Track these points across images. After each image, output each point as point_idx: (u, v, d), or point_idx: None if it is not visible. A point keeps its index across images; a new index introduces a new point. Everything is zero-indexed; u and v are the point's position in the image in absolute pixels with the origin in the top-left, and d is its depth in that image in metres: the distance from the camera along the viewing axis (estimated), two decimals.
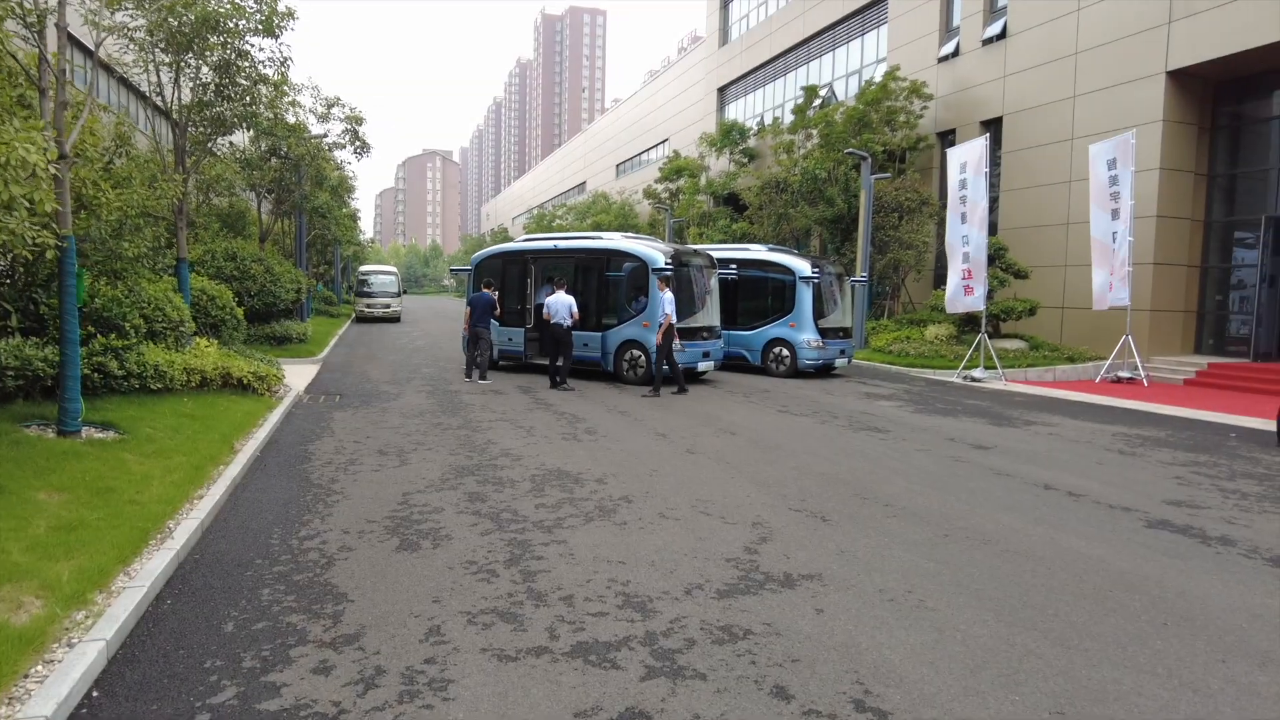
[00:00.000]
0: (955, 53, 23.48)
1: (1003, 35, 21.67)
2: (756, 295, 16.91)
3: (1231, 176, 18.21)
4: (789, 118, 29.35)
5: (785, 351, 16.06)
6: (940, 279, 24.09)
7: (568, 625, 3.95)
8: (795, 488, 6.91)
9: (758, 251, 17.09)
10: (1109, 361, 16.87)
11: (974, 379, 16.35)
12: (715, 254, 16.23)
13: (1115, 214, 16.27)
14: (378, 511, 5.91)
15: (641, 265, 13.85)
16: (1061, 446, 9.26)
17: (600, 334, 14.33)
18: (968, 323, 19.74)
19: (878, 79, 24.55)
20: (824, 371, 16.42)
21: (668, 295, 12.77)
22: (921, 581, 4.69)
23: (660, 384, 12.89)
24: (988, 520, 6.02)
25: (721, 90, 38.97)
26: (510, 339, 15.71)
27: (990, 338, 18.90)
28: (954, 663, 3.63)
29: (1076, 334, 19.28)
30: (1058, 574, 4.88)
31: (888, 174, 21.75)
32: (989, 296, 17.66)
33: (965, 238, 16.84)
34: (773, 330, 16.31)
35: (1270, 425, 11.14)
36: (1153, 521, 6.12)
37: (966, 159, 16.78)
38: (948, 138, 24.37)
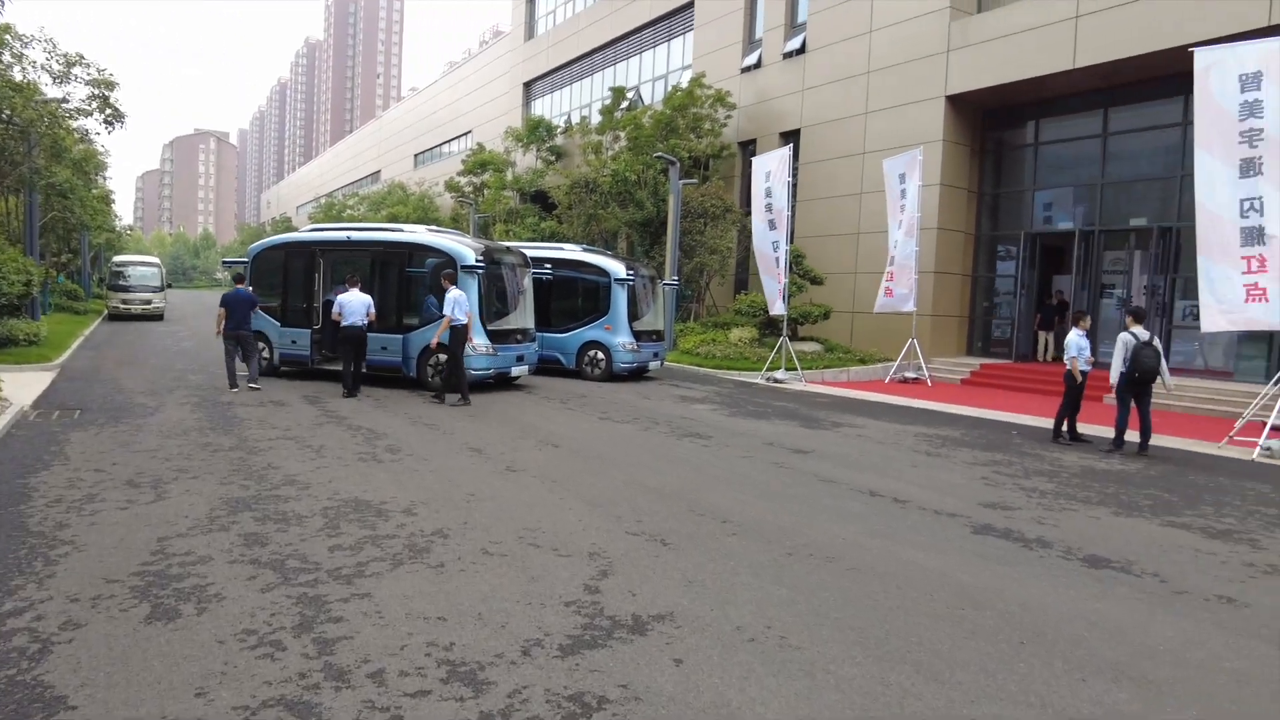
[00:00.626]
0: (758, 64, 24.31)
1: (802, 50, 22.68)
2: (571, 296, 16.37)
3: (996, 195, 20.17)
4: (597, 117, 29.16)
5: (600, 355, 15.65)
6: (741, 284, 24.89)
7: (381, 714, 3.12)
8: (628, 506, 6.39)
9: (572, 251, 16.56)
10: (897, 363, 18.04)
11: (777, 380, 16.84)
12: (529, 253, 15.48)
13: (900, 223, 17.41)
14: (122, 567, 4.67)
15: (449, 261, 12.83)
16: (873, 449, 9.50)
17: (402, 336, 13.12)
18: (768, 326, 20.41)
19: (685, 85, 24.90)
20: (638, 374, 16.20)
21: (457, 294, 11.69)
22: (778, 613, 4.30)
23: (445, 390, 11.96)
24: (825, 534, 5.83)
25: (528, 85, 38.15)
26: (294, 341, 14.02)
27: (789, 340, 19.65)
28: (835, 714, 3.23)
29: (866, 337, 20.53)
30: (908, 592, 4.70)
31: (694, 179, 22.08)
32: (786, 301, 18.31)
33: (776, 244, 17.31)
34: (588, 333, 15.84)
35: (1040, 422, 12.23)
36: (977, 527, 6.22)
37: (771, 168, 17.25)
38: (749, 147, 25.20)
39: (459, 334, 11.73)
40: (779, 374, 16.98)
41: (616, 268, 15.68)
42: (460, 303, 11.68)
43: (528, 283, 14.21)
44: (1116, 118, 17.54)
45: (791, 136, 23.45)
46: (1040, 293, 19.48)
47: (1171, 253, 16.48)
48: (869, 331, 20.39)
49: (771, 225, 17.34)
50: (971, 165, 19.88)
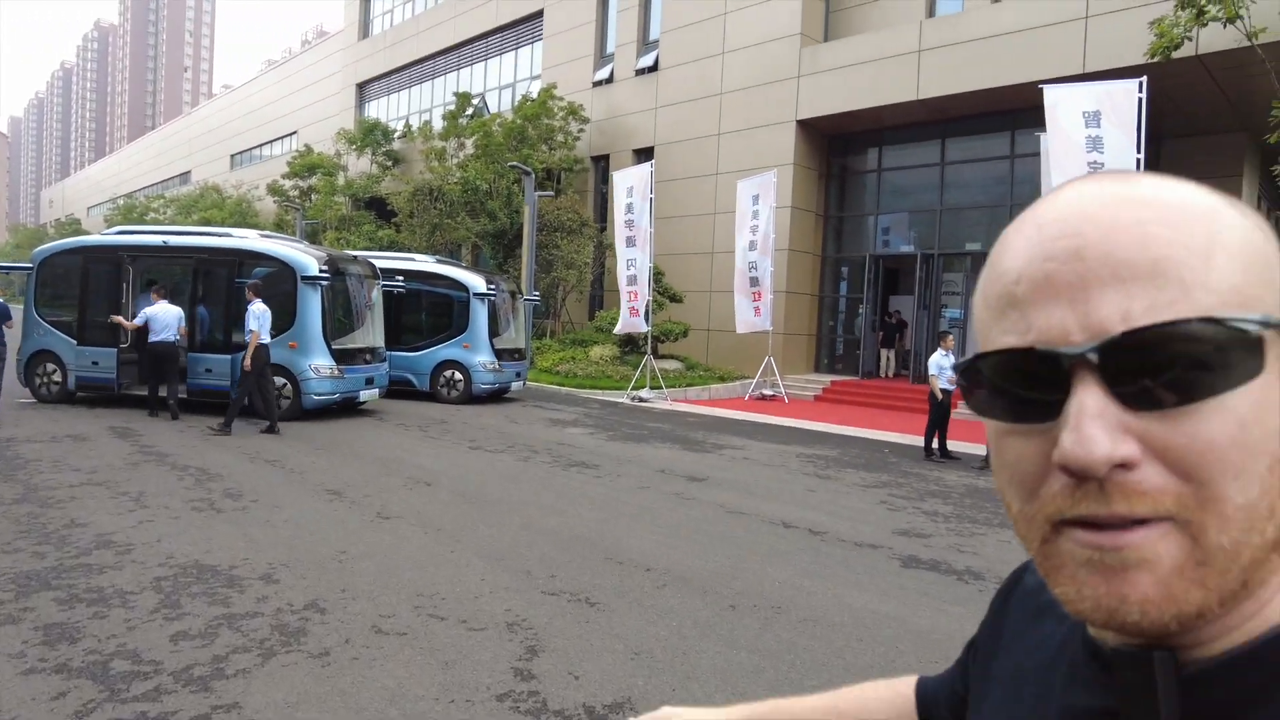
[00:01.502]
0: (610, 79, 24.02)
1: (655, 68, 22.62)
2: (424, 312, 15.15)
3: (840, 218, 20.93)
4: (439, 123, 27.77)
5: (458, 375, 14.53)
6: (597, 301, 24.42)
7: None
8: (535, 557, 5.57)
9: (424, 263, 15.34)
10: (755, 380, 18.16)
11: (642, 399, 16.44)
12: (376, 264, 14.14)
13: (753, 245, 17.57)
14: None
15: (286, 271, 11.36)
16: (764, 473, 9.18)
17: (230, 358, 11.45)
18: (627, 344, 20.03)
19: (535, 95, 24.18)
20: (497, 396, 15.20)
21: (261, 308, 10.29)
22: (750, 685, 3.70)
23: (233, 418, 10.23)
24: (759, 578, 5.31)
25: (362, 86, 35.93)
26: (95, 363, 11.90)
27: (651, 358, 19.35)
28: None
29: (721, 355, 20.60)
30: (873, 647, 4.25)
31: (551, 192, 21.36)
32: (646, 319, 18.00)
33: (631, 261, 16.92)
34: (444, 351, 14.68)
35: (902, 438, 12.52)
36: (903, 559, 5.93)
37: (633, 183, 16.90)
38: (600, 163, 24.86)
39: (261, 354, 10.31)
40: (644, 393, 16.59)
41: (476, 281, 14.65)
42: (265, 319, 10.27)
43: (377, 296, 12.91)
44: (953, 148, 18.68)
45: (645, 154, 23.31)
46: (881, 313, 20.39)
47: None
48: (724, 349, 20.48)
49: (630, 242, 16.96)
50: (819, 189, 20.52)
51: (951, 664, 0.78)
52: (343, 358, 11.62)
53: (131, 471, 7.66)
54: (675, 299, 19.58)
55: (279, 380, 11.29)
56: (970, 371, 0.48)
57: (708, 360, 20.71)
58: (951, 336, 11.25)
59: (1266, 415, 0.42)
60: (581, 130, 23.76)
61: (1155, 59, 13.08)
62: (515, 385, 15.40)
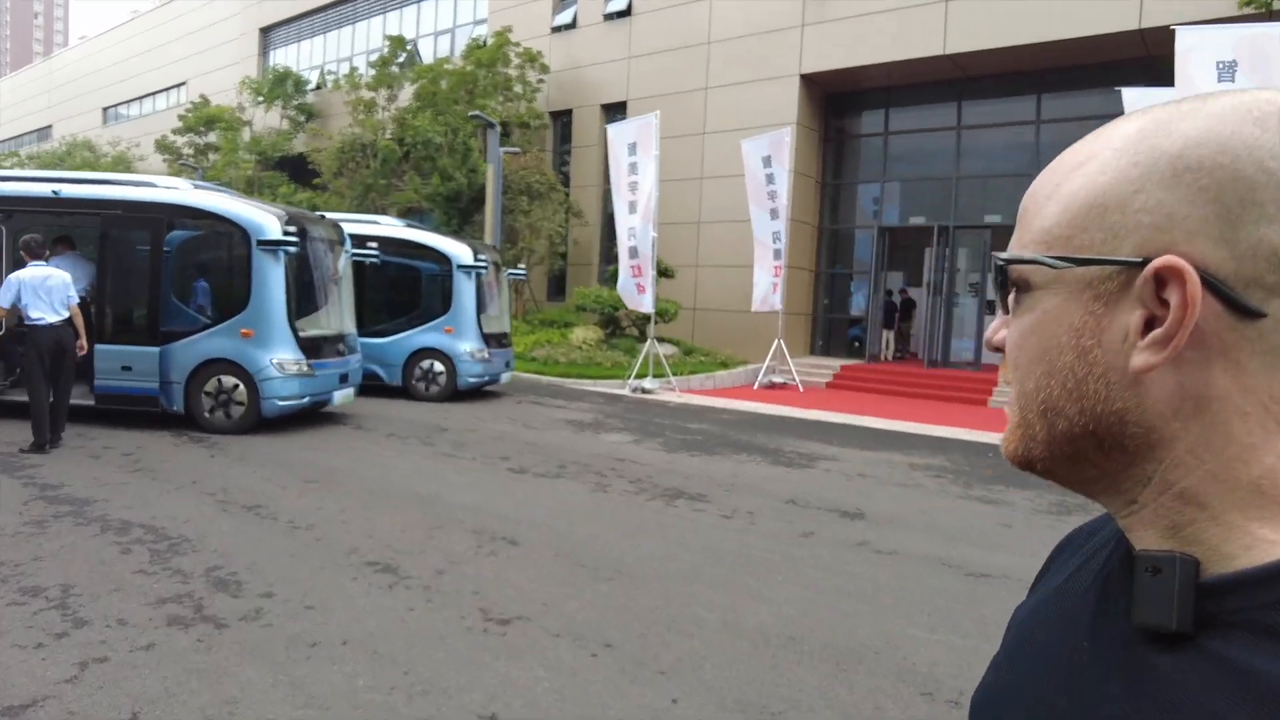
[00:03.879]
0: (573, 24, 21.28)
1: (627, 12, 20.04)
2: (393, 289, 12.32)
3: (837, 186, 19.07)
4: (366, 71, 24.25)
5: (439, 366, 11.79)
6: (558, 276, 21.76)
7: None
8: (818, 698, 3.25)
9: (391, 227, 12.44)
10: (764, 366, 16.12)
11: (645, 390, 14.15)
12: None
13: (774, 214, 15.48)
14: None
15: (234, 234, 8.43)
16: (917, 500, 7.10)
17: (158, 350, 8.43)
18: (608, 324, 17.62)
19: (485, 40, 21.16)
20: (478, 390, 12.52)
21: (38, 273, 7.21)
22: None
23: (41, 436, 7.16)
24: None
25: (266, 31, 31.57)
26: None
27: (640, 342, 17.06)
28: None
29: (710, 337, 18.46)
30: None
31: (518, 149, 18.53)
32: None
33: (632, 230, 14.51)
34: (420, 337, 11.89)
35: (980, 436, 10.74)
36: None
37: (636, 138, 14.41)
38: (560, 119, 22.14)
39: (43, 338, 7.16)
40: (646, 382, 14.27)
41: (460, 251, 11.90)
42: (41, 289, 7.11)
43: (345, 268, 10.03)
44: (971, 111, 17.04)
45: (615, 110, 20.76)
46: (885, 290, 18.70)
47: None
48: (714, 330, 18.34)
49: (632, 208, 14.52)
50: (819, 153, 18.57)
51: None
52: (311, 349, 8.78)
53: (37, 539, 4.82)
54: (667, 274, 17.24)
55: (228, 381, 8.37)
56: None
57: (693, 342, 18.53)
58: None
59: (1043, 331, 0.52)
60: (541, 81, 20.93)
61: (1249, 7, 11.64)
62: (505, 376, 12.78)
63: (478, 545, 5.14)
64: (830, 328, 19.36)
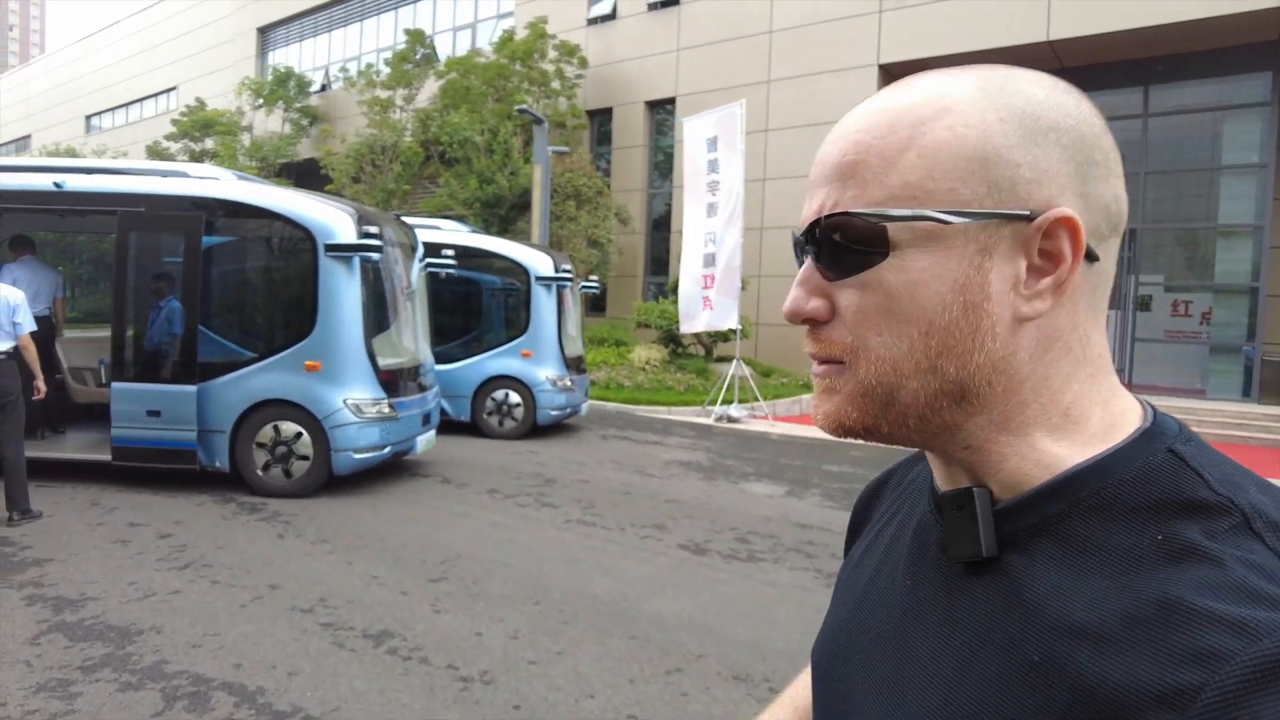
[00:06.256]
0: (612, 14, 19.55)
1: (675, 1, 18.34)
2: (461, 306, 10.44)
3: None
4: (383, 70, 22.37)
5: (516, 397, 9.91)
6: (604, 289, 19.92)
7: None
8: None
9: (454, 232, 10.56)
10: None
11: (731, 418, 12.35)
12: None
13: (718, 211, 13.72)
14: None
15: (299, 237, 6.56)
16: None
17: (195, 389, 6.49)
18: (669, 342, 15.81)
19: (517, 34, 19.37)
20: (556, 424, 10.62)
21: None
22: None
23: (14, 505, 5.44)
24: None
25: (264, 31, 29.62)
26: None
27: (716, 362, 15.29)
28: None
29: (776, 354, 16.69)
30: None
31: (566, 148, 16.70)
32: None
33: (711, 236, 12.73)
34: (492, 363, 10.00)
35: None
36: None
37: (717, 132, 12.65)
38: (597, 118, 20.39)
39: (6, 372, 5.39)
40: (732, 410, 12.47)
41: (538, 261, 10.05)
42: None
43: (419, 281, 8.14)
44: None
45: (662, 106, 19.07)
46: None
47: (1138, 256, 14.61)
48: (779, 347, 16.58)
49: (712, 210, 12.75)
50: None
51: None
52: (390, 385, 6.89)
53: (69, 704, 2.93)
54: (741, 286, 15.40)
55: (289, 429, 6.47)
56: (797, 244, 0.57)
57: (758, 360, 16.75)
58: None
59: (918, 291, 0.50)
60: (579, 76, 19.15)
61: None
62: (584, 407, 10.92)
63: (750, 694, 3.30)
64: None
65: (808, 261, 0.54)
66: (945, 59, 15.14)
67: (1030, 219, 0.49)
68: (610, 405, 13.25)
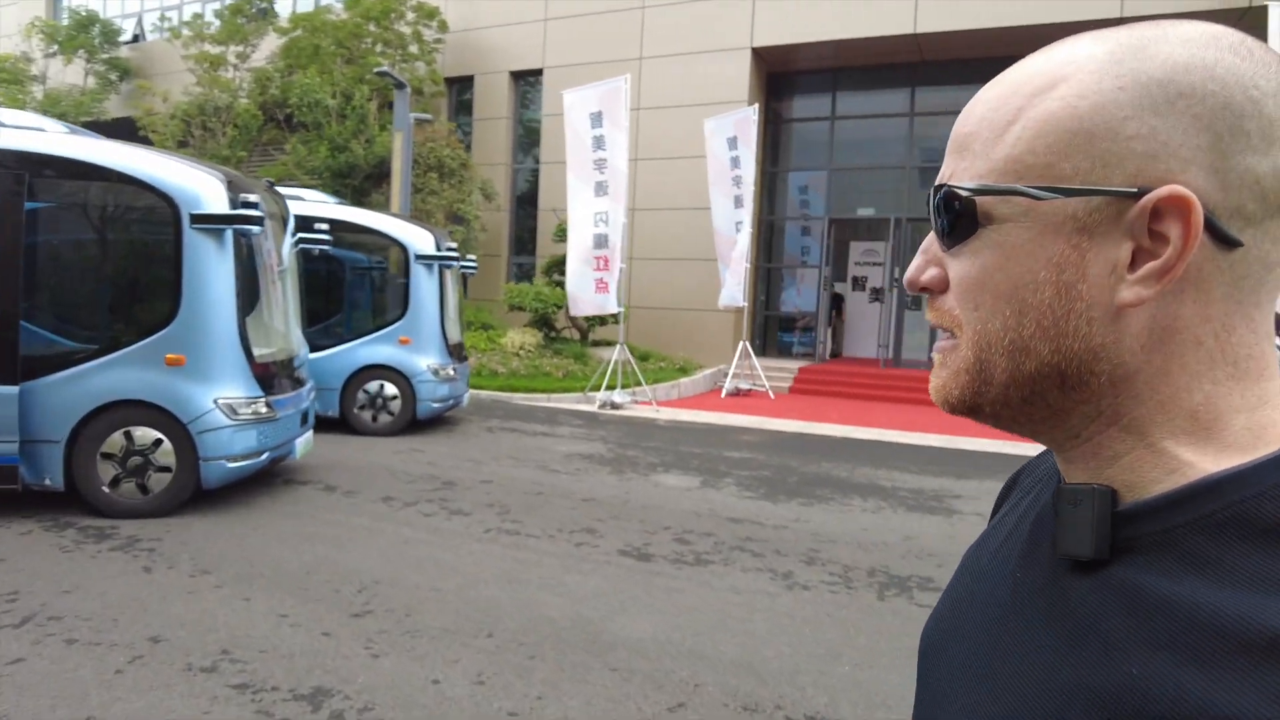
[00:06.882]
0: None
1: None
2: (328, 288, 9.37)
3: (774, 174, 17.70)
4: (215, 24, 19.98)
5: (392, 389, 9.03)
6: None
7: None
8: None
9: (321, 205, 9.43)
10: (732, 370, 14.41)
11: (614, 404, 12.06)
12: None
13: (739, 201, 13.78)
14: None
15: (155, 205, 5.50)
16: None
17: (17, 389, 5.31)
18: (543, 326, 15.22)
19: None
20: (437, 417, 9.83)
21: None
22: None
23: None
24: None
25: None
26: None
27: (592, 347, 14.90)
28: None
29: (650, 338, 16.51)
30: None
31: (430, 116, 15.52)
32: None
33: (601, 215, 12.28)
34: (365, 350, 9.06)
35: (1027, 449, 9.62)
36: None
37: (601, 106, 12.15)
38: (455, 86, 19.29)
39: None
40: (616, 395, 12.15)
41: (418, 238, 9.18)
42: None
43: (290, 258, 7.14)
44: (928, 96, 16.14)
45: (527, 77, 18.30)
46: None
47: None
48: (654, 331, 16.41)
49: (601, 189, 12.28)
50: (760, 136, 17.08)
51: None
52: (266, 381, 5.96)
53: None
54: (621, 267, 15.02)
55: (144, 435, 5.44)
56: None
57: (633, 345, 16.51)
58: None
59: (1013, 267, 0.48)
60: (439, 41, 17.95)
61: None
62: (465, 398, 10.19)
63: None
64: (767, 326, 18.01)
65: (931, 232, 0.53)
66: (818, 45, 15.44)
67: (1137, 197, 0.45)
68: (484, 393, 12.55)
